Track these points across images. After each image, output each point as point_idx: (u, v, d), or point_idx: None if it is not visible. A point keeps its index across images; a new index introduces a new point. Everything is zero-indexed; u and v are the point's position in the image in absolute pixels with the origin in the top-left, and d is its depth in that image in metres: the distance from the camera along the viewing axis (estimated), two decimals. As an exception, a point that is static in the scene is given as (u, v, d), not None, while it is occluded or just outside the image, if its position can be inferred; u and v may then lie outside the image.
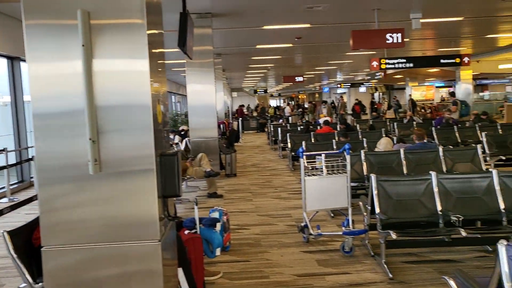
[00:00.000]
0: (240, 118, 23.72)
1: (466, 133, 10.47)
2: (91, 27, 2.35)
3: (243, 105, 29.71)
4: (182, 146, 9.91)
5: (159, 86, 2.65)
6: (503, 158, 8.35)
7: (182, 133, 11.30)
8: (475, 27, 14.20)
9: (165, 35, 3.15)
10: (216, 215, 4.95)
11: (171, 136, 11.69)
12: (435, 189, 4.46)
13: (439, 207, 4.39)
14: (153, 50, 2.53)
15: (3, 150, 8.52)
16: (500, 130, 10.41)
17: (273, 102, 52.35)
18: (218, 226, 4.57)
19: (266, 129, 21.82)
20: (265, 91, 37.25)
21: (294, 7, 9.47)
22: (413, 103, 24.13)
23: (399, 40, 10.20)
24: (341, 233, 4.86)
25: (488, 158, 8.38)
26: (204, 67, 9.68)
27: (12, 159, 9.17)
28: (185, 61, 9.72)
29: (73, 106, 2.38)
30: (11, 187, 8.80)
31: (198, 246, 3.89)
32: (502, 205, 4.34)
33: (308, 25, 11.58)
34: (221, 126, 14.88)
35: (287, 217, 6.51)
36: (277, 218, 6.49)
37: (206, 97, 9.80)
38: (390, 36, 10.23)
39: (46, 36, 2.36)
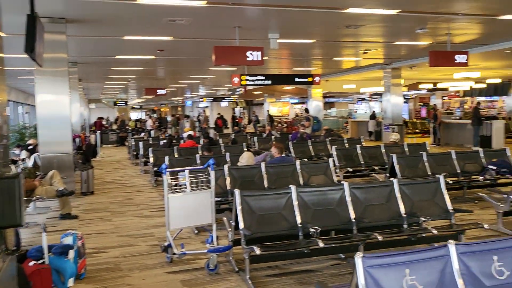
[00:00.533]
0: (99, 131, 22.33)
1: (319, 147, 11.30)
2: None
3: (102, 117, 28.09)
4: (30, 163, 8.90)
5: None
6: (350, 170, 9.17)
7: (30, 147, 10.17)
8: (324, 49, 15.56)
9: (6, 38, 2.74)
10: (69, 240, 4.47)
11: (17, 152, 10.45)
12: (295, 202, 4.66)
13: (298, 220, 4.58)
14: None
15: None
16: (346, 144, 11.46)
17: (134, 115, 50.60)
18: (71, 253, 4.12)
19: (126, 143, 20.89)
20: (126, 103, 35.79)
21: (156, 19, 9.25)
22: (270, 118, 25.41)
23: (259, 58, 10.63)
24: (205, 251, 4.77)
25: (337, 170, 9.13)
26: (57, 75, 8.86)
27: None
28: (34, 68, 8.78)
29: None
30: None
31: (46, 278, 3.45)
32: (352, 215, 4.71)
33: (171, 38, 11.43)
34: (77, 140, 13.78)
35: (149, 237, 6.21)
36: (138, 238, 6.15)
37: (59, 108, 8.95)
38: (251, 53, 10.60)
39: None
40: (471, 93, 31.27)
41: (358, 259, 2.37)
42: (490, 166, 7.65)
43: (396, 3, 8.99)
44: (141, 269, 4.93)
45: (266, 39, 11.33)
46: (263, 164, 6.96)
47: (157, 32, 10.68)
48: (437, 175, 5.28)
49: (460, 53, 11.67)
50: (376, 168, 9.12)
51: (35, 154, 9.14)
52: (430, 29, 11.40)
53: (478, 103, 17.10)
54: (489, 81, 27.13)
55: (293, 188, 4.74)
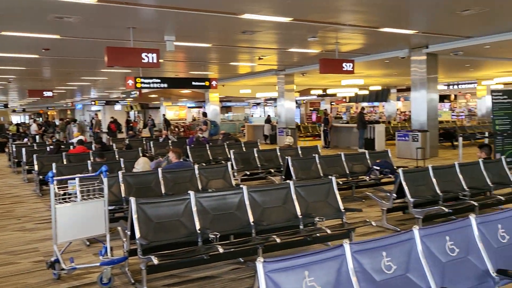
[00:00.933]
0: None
1: (217, 151, 11.31)
2: None
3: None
4: None
5: None
6: (248, 173, 9.30)
7: None
8: (221, 54, 15.65)
9: None
10: None
11: None
12: (194, 208, 4.56)
13: (198, 226, 4.49)
14: None
15: None
16: (244, 148, 11.62)
17: (16, 119, 46.34)
18: None
19: (6, 149, 18.98)
20: (6, 106, 32.63)
21: (40, 14, 8.53)
22: (167, 122, 24.92)
23: (155, 60, 10.35)
24: (98, 264, 4.47)
25: (235, 174, 9.20)
26: None
27: None
28: None
29: None
30: None
31: None
32: (251, 218, 4.74)
33: (58, 36, 10.63)
34: None
35: (33, 252, 5.66)
36: (20, 255, 5.56)
37: None
38: (146, 55, 10.29)
39: None
40: (356, 99, 33.81)
41: (259, 264, 2.37)
42: (375, 167, 8.27)
43: (289, 11, 9.34)
44: (24, 289, 4.47)
45: (162, 41, 11.07)
46: (160, 170, 6.74)
47: (42, 29, 9.88)
48: (329, 176, 5.54)
49: (347, 61, 12.50)
50: (272, 170, 9.36)
51: None
52: (320, 37, 12.06)
53: (363, 108, 18.39)
54: (371, 88, 29.56)
55: (191, 193, 4.64)
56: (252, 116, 40.34)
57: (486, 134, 11.68)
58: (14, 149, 13.83)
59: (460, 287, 2.91)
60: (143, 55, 10.26)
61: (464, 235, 3.16)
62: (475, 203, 5.88)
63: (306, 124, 28.33)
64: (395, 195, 5.98)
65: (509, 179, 6.87)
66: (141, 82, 15.44)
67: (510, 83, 22.84)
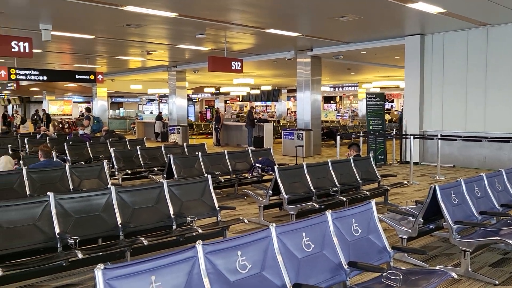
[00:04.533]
0: None
1: (98, 149, 10.69)
2: None
3: None
4: None
5: None
6: (129, 172, 8.92)
7: None
8: (108, 47, 14.88)
9: None
10: None
11: None
12: (53, 211, 4.19)
13: (57, 230, 4.13)
14: None
15: None
16: (128, 146, 11.15)
17: None
18: None
19: None
20: None
21: None
22: (47, 117, 23.14)
23: (27, 50, 9.51)
24: None
25: (116, 173, 8.77)
26: None
27: None
28: None
29: None
30: None
31: None
32: (119, 220, 4.49)
33: None
34: None
35: None
36: None
37: None
38: (16, 44, 9.41)
39: None
40: (249, 98, 34.52)
41: (98, 271, 2.19)
42: (257, 164, 8.42)
43: (175, 6, 9.15)
44: None
45: (38, 30, 10.20)
46: (24, 169, 6.15)
47: None
48: (206, 175, 5.48)
49: (236, 60, 12.62)
50: (155, 169, 9.08)
51: None
52: (209, 35, 12.01)
53: (252, 107, 18.82)
54: (263, 87, 30.40)
55: (51, 195, 4.25)
56: (143, 112, 39.11)
57: (361, 134, 12.57)
58: None
59: (314, 281, 3.00)
60: (13, 43, 9.37)
61: (321, 231, 3.27)
62: (344, 199, 6.24)
63: (199, 122, 28.19)
64: (271, 192, 6.11)
65: (376, 175, 7.42)
66: (16, 74, 14.17)
67: (386, 86, 24.94)
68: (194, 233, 4.70)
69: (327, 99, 38.25)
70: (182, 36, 12.60)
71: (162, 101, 40.13)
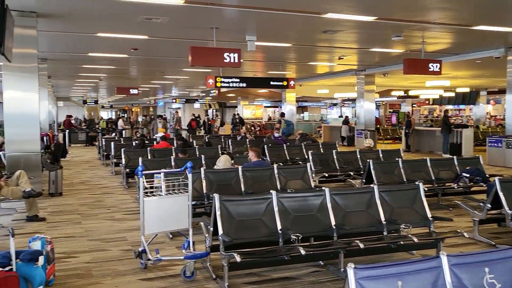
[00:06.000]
0: (67, 130, 21.70)
1: (294, 151, 11.26)
2: None
3: (70, 116, 27.24)
4: (-5, 161, 8.50)
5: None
6: (326, 175, 9.15)
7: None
8: (300, 54, 15.58)
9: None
10: (37, 245, 4.22)
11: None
12: (275, 208, 4.55)
13: (279, 226, 4.48)
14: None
15: None
16: (322, 149, 11.46)
17: (104, 114, 49.59)
18: (41, 260, 3.88)
19: (95, 143, 20.35)
20: (96, 102, 35.01)
21: (131, 16, 9.02)
22: (241, 120, 25.31)
23: (236, 60, 10.52)
24: (182, 257, 4.61)
25: (313, 175, 9.09)
26: (26, 72, 8.49)
27: None
28: (1, 63, 8.40)
29: None
30: None
31: (13, 286, 3.22)
32: (333, 222, 4.64)
33: (146, 37, 11.18)
34: (45, 138, 13.29)
35: (122, 241, 5.99)
36: (110, 243, 5.91)
37: (27, 105, 8.59)
38: (228, 55, 10.49)
39: None
40: (440, 101, 32.11)
41: (350, 270, 2.29)
42: (464, 174, 7.76)
43: (374, 10, 9.05)
44: (114, 275, 4.72)
45: (243, 41, 11.23)
46: (240, 168, 6.83)
47: (132, 30, 10.43)
48: (416, 182, 5.28)
49: (434, 62, 11.88)
50: (351, 173, 9.13)
51: (0, 153, 8.73)
52: (405, 37, 11.56)
53: (447, 111, 17.43)
54: (458, 89, 27.89)
55: (273, 193, 4.64)
56: (328, 116, 39.81)
57: None
58: (103, 143, 14.77)
59: None
60: (225, 55, 10.46)
61: None
62: None
63: (385, 126, 27.39)
64: (489, 205, 5.55)
65: None
66: (221, 82, 15.83)
67: None
68: (405, 242, 4.57)
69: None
70: (376, 39, 12.40)
71: (345, 105, 40.28)
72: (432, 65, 11.85)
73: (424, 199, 5.02)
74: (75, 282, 4.53)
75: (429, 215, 4.92)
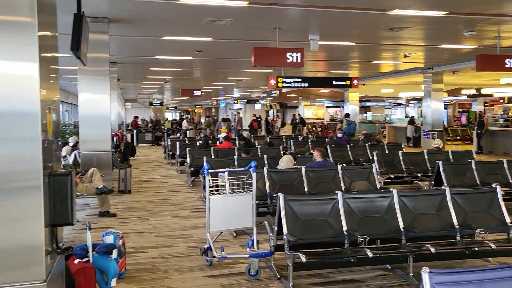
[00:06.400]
0: (135, 130, 22.68)
1: (358, 152, 11.02)
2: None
3: (137, 117, 28.47)
4: (71, 160, 9.03)
5: (51, 93, 2.21)
6: (392, 176, 8.86)
7: (71, 144, 10.32)
8: (363, 52, 15.22)
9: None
10: (110, 239, 4.43)
11: (58, 148, 10.64)
12: (341, 209, 4.47)
13: (345, 227, 4.39)
14: (45, 54, 2.11)
15: None
16: (387, 150, 11.13)
17: (169, 115, 51.31)
18: (114, 253, 4.07)
19: (161, 143, 21.09)
20: (161, 103, 36.28)
21: (196, 19, 9.24)
22: (302, 121, 25.14)
23: (299, 60, 10.48)
24: (247, 255, 4.65)
25: (378, 176, 8.84)
26: (99, 75, 8.98)
27: None
28: (77, 67, 8.93)
29: None
30: None
31: (90, 277, 3.40)
32: (401, 224, 4.48)
33: (210, 39, 11.41)
34: (114, 138, 13.97)
35: (187, 238, 6.15)
36: (177, 239, 6.09)
37: (99, 107, 9.07)
38: (290, 55, 10.47)
39: None
40: (516, 99, 30.10)
41: (425, 274, 2.18)
42: (545, 177, 7.21)
43: (444, 4, 8.64)
44: (180, 271, 4.85)
45: (305, 41, 11.15)
46: (303, 168, 6.79)
47: (197, 32, 10.67)
48: (493, 185, 4.97)
49: (511, 57, 11.14)
50: (419, 175, 8.78)
51: (76, 151, 9.27)
52: (478, 31, 10.94)
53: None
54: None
55: (339, 194, 4.56)
56: (391, 117, 38.61)
57: None
58: (169, 143, 15.29)
59: None
60: (288, 54, 10.44)
61: None
62: None
63: (454, 126, 26.11)
64: None
65: None
66: (283, 82, 15.81)
67: None
68: (480, 248, 4.32)
69: None
70: (445, 35, 11.84)
71: (410, 104, 38.85)
72: (509, 61, 11.12)
73: (502, 203, 4.72)
74: (145, 276, 4.70)
75: (508, 220, 4.62)
